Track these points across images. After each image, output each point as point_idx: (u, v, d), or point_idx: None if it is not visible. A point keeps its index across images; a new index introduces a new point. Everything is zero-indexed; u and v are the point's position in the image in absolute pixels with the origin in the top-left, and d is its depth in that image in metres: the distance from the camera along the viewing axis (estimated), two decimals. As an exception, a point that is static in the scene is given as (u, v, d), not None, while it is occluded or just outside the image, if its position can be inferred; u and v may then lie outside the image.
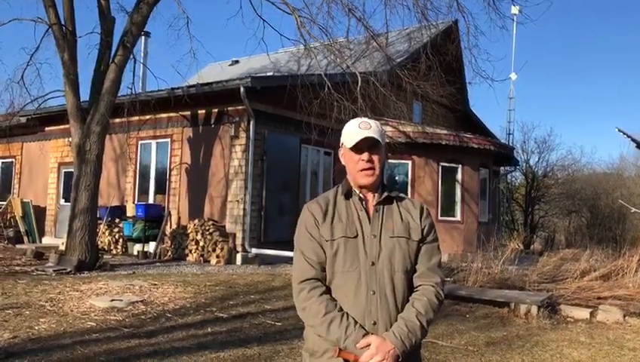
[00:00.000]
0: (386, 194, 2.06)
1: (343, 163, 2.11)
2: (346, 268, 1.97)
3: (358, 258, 1.97)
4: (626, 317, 7.38)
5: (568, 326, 7.04)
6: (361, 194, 2.06)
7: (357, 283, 1.95)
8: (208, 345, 5.32)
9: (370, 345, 1.87)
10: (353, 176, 2.05)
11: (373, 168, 2.02)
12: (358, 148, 2.02)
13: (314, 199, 2.14)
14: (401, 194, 2.14)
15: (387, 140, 2.13)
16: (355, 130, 2.03)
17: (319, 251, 2.01)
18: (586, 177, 28.31)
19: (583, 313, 7.53)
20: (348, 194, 2.07)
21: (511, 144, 20.40)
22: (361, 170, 2.02)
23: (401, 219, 2.05)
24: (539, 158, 26.46)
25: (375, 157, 2.03)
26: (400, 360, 1.88)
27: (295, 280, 2.05)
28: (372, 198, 2.06)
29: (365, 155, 2.01)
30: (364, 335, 1.89)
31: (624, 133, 15.96)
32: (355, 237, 1.99)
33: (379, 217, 2.03)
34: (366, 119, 2.09)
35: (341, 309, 1.95)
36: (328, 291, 2.00)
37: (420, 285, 2.02)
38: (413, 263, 2.03)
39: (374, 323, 1.92)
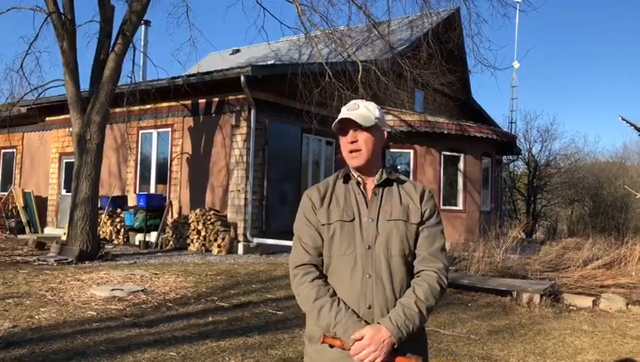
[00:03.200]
0: (385, 177, 2.02)
1: None
2: (342, 252, 1.95)
3: (355, 241, 1.95)
4: (629, 306, 7.36)
5: (571, 315, 7.02)
6: (359, 178, 2.03)
7: (353, 266, 1.93)
8: (209, 334, 5.31)
9: (364, 337, 1.82)
10: (345, 158, 2.04)
11: (358, 150, 1.98)
12: (342, 129, 2.01)
13: (314, 185, 2.12)
14: (403, 177, 2.10)
15: (387, 126, 2.06)
16: (342, 112, 2.02)
17: (315, 236, 2.01)
18: (588, 166, 28.22)
19: (586, 301, 7.51)
20: (346, 178, 2.06)
21: (513, 133, 20.30)
22: (348, 152, 2.01)
23: (401, 202, 2.00)
24: (541, 147, 26.38)
25: (361, 138, 1.99)
26: (396, 347, 1.84)
27: (291, 266, 2.06)
28: (371, 182, 2.03)
29: (349, 137, 2.00)
30: (356, 323, 1.85)
31: (628, 122, 15.90)
32: (352, 220, 1.97)
33: (377, 200, 1.99)
34: (358, 100, 2.07)
35: (333, 295, 1.93)
36: (323, 276, 1.99)
37: (421, 270, 1.97)
38: (412, 247, 1.98)
39: (369, 307, 1.90)
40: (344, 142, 2.02)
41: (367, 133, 1.99)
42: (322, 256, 2.00)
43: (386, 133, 2.10)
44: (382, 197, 2.00)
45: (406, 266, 1.96)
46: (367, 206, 1.99)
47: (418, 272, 1.98)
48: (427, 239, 2.00)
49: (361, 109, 2.00)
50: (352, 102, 2.06)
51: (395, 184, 2.05)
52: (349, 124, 1.99)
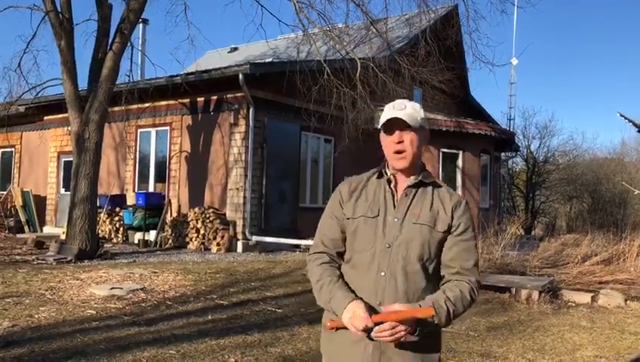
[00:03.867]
0: (420, 179, 1.99)
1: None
2: (361, 247, 1.96)
3: (375, 238, 1.94)
4: (628, 302, 7.38)
5: (569, 311, 7.04)
6: (392, 176, 2.01)
7: (370, 262, 1.93)
8: (209, 332, 5.31)
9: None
10: (388, 159, 2.00)
11: (404, 150, 1.95)
12: (388, 128, 1.97)
13: (349, 178, 2.12)
14: (440, 182, 2.06)
15: (424, 125, 2.04)
16: (387, 111, 1.98)
17: (335, 229, 2.03)
18: (587, 162, 28.24)
19: (585, 297, 7.52)
20: (380, 175, 2.04)
21: (512, 129, 20.33)
22: (393, 153, 1.97)
23: (431, 207, 1.97)
24: (540, 144, 26.39)
25: (407, 139, 1.95)
26: (416, 334, 1.83)
27: (309, 253, 2.11)
28: (405, 181, 2.00)
29: (395, 137, 1.96)
30: (351, 301, 1.85)
31: (626, 118, 15.90)
32: (375, 217, 1.95)
33: (407, 201, 1.97)
34: (405, 100, 2.02)
35: (338, 277, 1.96)
36: (334, 263, 2.02)
37: (455, 280, 1.96)
38: (433, 254, 1.95)
39: (379, 304, 1.89)
40: (389, 141, 1.97)
41: (414, 133, 1.96)
42: (339, 248, 2.03)
43: (428, 134, 2.07)
44: (413, 198, 1.98)
45: (422, 271, 1.94)
46: (394, 205, 1.97)
47: (449, 281, 1.97)
48: (462, 253, 1.97)
49: (408, 109, 1.97)
50: (399, 101, 2.02)
51: (430, 187, 2.02)
52: (396, 124, 1.95)
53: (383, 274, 1.90)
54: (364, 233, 1.96)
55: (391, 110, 1.97)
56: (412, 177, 1.99)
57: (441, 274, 1.99)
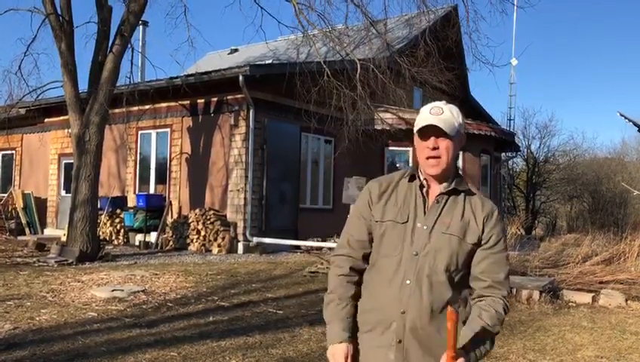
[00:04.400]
0: (453, 186, 1.92)
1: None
2: (388, 252, 1.91)
3: (403, 245, 1.88)
4: (628, 301, 7.38)
5: (570, 311, 7.04)
6: (424, 181, 1.94)
7: (396, 269, 1.88)
8: (210, 333, 5.32)
9: None
10: (421, 163, 1.93)
11: (438, 157, 1.87)
12: (423, 133, 1.89)
13: (379, 178, 2.05)
14: (473, 189, 1.98)
15: (461, 130, 1.94)
16: (424, 115, 1.90)
17: (363, 230, 1.98)
18: (587, 162, 28.22)
19: (585, 297, 7.53)
20: (412, 178, 1.97)
21: (512, 130, 20.33)
22: (427, 158, 1.89)
23: (462, 216, 1.90)
24: (540, 144, 26.39)
25: (442, 145, 1.87)
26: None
27: (334, 251, 2.07)
28: (437, 187, 1.93)
29: (430, 142, 1.88)
30: (339, 343, 1.90)
31: (626, 118, 15.89)
32: (405, 222, 1.90)
33: (437, 209, 1.91)
34: (442, 104, 1.94)
35: (349, 296, 1.95)
36: (355, 271, 1.98)
37: (487, 296, 1.90)
38: (461, 265, 1.90)
39: (403, 312, 1.84)
40: (423, 146, 1.90)
41: (449, 140, 1.88)
42: (366, 250, 1.98)
43: (465, 138, 1.98)
44: (444, 206, 1.91)
45: (448, 281, 1.88)
46: (424, 211, 1.91)
47: (481, 297, 1.91)
48: (493, 266, 1.91)
49: (445, 114, 1.88)
50: (435, 104, 1.93)
51: (462, 195, 1.94)
52: (431, 129, 1.87)
53: (408, 282, 1.85)
54: (392, 238, 1.90)
55: (427, 115, 1.89)
56: (445, 184, 1.92)
57: (471, 285, 1.94)
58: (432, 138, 1.88)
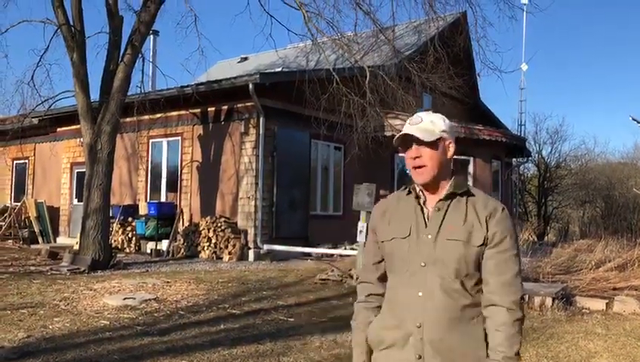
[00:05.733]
0: (451, 190, 1.90)
1: None
2: (398, 269, 1.91)
3: (410, 258, 1.88)
4: (643, 308, 7.29)
5: (584, 318, 6.97)
6: (420, 193, 1.94)
7: (407, 283, 1.87)
8: (221, 341, 5.33)
9: None
10: (411, 175, 1.94)
11: (423, 165, 1.88)
12: (404, 144, 1.92)
13: (383, 199, 2.12)
14: (475, 190, 1.95)
15: (455, 134, 1.95)
16: (405, 126, 1.93)
17: (375, 252, 2.03)
18: (599, 167, 28.00)
19: (599, 304, 7.45)
20: (409, 191, 1.98)
21: (523, 135, 20.24)
22: (412, 168, 1.91)
23: (465, 220, 1.87)
24: (551, 149, 26.24)
25: (425, 154, 1.88)
26: None
27: (359, 278, 2.17)
28: (435, 195, 1.92)
29: (412, 152, 1.90)
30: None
31: (638, 122, 15.79)
32: (407, 237, 1.90)
33: (439, 216, 1.89)
34: (422, 113, 1.96)
35: (367, 324, 2.00)
36: (375, 295, 2.04)
37: (492, 305, 1.84)
38: (472, 269, 1.85)
39: (419, 326, 1.82)
40: (407, 157, 1.93)
41: (430, 148, 1.88)
42: (379, 271, 2.03)
43: (453, 144, 1.95)
44: (445, 213, 1.89)
45: (462, 288, 1.84)
46: (425, 221, 1.90)
47: (488, 305, 1.85)
48: (497, 267, 1.84)
49: (424, 123, 1.90)
50: (416, 115, 1.94)
51: (464, 198, 1.91)
52: (412, 139, 1.89)
53: (420, 294, 1.83)
54: (400, 254, 1.91)
55: (406, 125, 1.92)
56: (442, 190, 1.92)
57: (482, 289, 1.88)
58: (414, 147, 1.90)
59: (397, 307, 1.89)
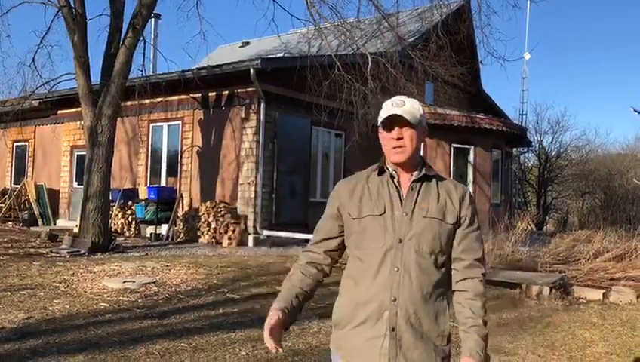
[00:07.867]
0: (424, 172, 2.01)
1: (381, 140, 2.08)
2: (372, 245, 1.96)
3: (385, 235, 1.95)
4: (639, 298, 7.33)
5: (580, 307, 7.02)
6: (394, 172, 2.02)
7: (381, 259, 1.94)
8: (220, 325, 5.37)
9: None
10: (387, 154, 2.02)
11: (403, 146, 1.97)
12: (387, 125, 2.00)
13: (348, 177, 2.17)
14: (443, 175, 2.10)
15: (423, 121, 2.07)
16: (387, 108, 2.00)
17: (332, 229, 2.11)
18: (600, 158, 28.01)
19: (596, 294, 7.50)
20: (380, 171, 2.05)
21: (524, 125, 20.22)
22: (392, 148, 1.99)
23: (438, 200, 1.99)
24: (552, 139, 26.25)
25: (406, 135, 1.97)
26: None
27: (304, 248, 2.23)
28: (408, 176, 2.02)
29: (395, 133, 1.98)
30: (279, 318, 2.11)
31: (639, 113, 15.76)
32: (382, 214, 1.97)
33: (413, 195, 1.99)
34: (403, 97, 2.05)
35: (301, 284, 2.13)
36: (314, 264, 2.14)
37: (468, 278, 2.00)
38: (444, 246, 1.98)
39: (394, 300, 1.90)
40: (388, 137, 2.00)
41: (413, 130, 1.98)
42: (327, 246, 2.13)
43: (426, 131, 2.08)
44: (419, 192, 2.00)
45: (435, 264, 1.96)
46: (400, 200, 1.98)
47: (464, 279, 2.00)
48: (473, 244, 2.01)
49: (407, 106, 1.99)
50: (397, 98, 2.03)
51: (434, 181, 2.04)
52: (395, 121, 1.97)
53: (397, 269, 1.91)
54: (374, 231, 1.96)
55: (389, 107, 1.99)
56: (415, 172, 2.01)
57: (452, 266, 2.01)
58: (397, 128, 1.98)
59: (370, 283, 1.96)
